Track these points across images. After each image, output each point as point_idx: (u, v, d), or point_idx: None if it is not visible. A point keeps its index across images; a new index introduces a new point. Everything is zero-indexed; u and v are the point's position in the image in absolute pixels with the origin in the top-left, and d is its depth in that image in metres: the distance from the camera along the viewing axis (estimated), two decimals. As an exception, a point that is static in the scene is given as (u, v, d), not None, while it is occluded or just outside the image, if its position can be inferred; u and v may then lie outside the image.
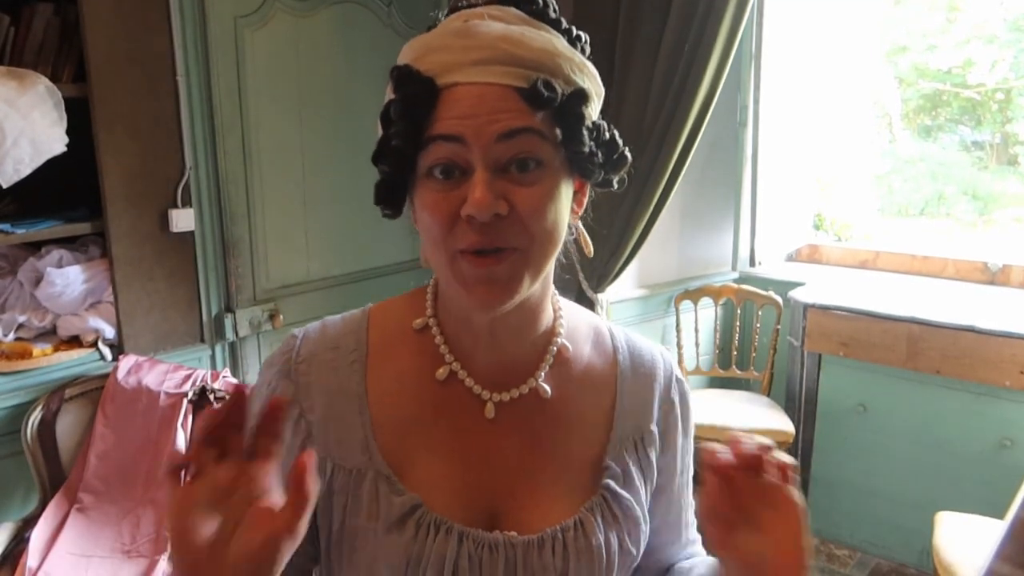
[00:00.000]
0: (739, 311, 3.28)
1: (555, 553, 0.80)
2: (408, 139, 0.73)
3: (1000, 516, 2.08)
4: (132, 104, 2.19)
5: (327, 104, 2.62)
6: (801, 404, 3.06)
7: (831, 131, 3.66)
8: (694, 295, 3.24)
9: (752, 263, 3.50)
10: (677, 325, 3.21)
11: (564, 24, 0.78)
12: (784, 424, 2.88)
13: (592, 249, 0.87)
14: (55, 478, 2.08)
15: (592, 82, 0.77)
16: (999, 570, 1.19)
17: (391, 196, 0.78)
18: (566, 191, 0.77)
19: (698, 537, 1.01)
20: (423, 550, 0.78)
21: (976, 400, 2.63)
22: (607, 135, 0.78)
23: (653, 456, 0.90)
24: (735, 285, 3.29)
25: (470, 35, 0.72)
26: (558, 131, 0.73)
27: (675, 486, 0.95)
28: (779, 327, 3.14)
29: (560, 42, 0.75)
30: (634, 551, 0.86)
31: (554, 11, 0.77)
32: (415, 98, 0.72)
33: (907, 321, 2.71)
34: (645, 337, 0.98)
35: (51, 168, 2.03)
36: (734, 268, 3.50)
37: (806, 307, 2.95)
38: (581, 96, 0.74)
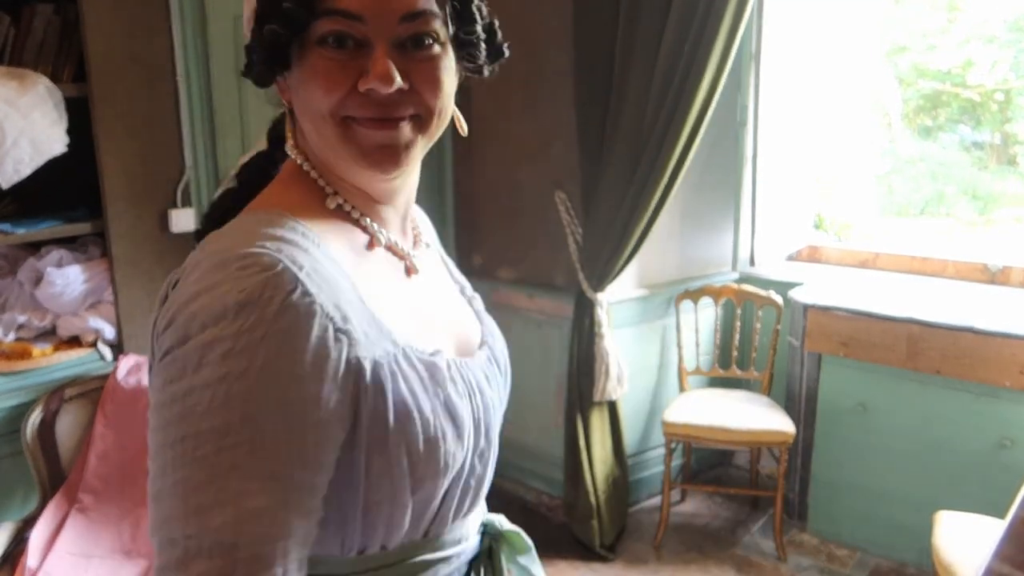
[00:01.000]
0: (739, 311, 3.28)
1: (503, 355, 0.95)
2: (303, 5, 0.70)
3: (1000, 516, 2.08)
4: (132, 104, 2.19)
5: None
6: (801, 404, 3.06)
7: (831, 131, 3.66)
8: (694, 295, 3.24)
9: (752, 263, 3.50)
10: (677, 325, 3.21)
11: None
12: (784, 424, 2.88)
13: (466, 129, 0.89)
14: (55, 478, 2.08)
15: None
16: (998, 569, 1.19)
17: (272, 61, 0.74)
18: (454, 71, 0.79)
19: None
20: (467, 388, 0.81)
21: (976, 400, 2.62)
22: (491, 22, 0.82)
23: None
24: (735, 285, 3.29)
25: None
26: (451, 14, 0.76)
27: None
28: (779, 327, 3.14)
29: None
30: None
31: None
32: None
33: (907, 321, 2.71)
34: None
35: (51, 168, 2.03)
36: (734, 268, 3.50)
37: (806, 307, 2.95)
38: None
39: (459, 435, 0.77)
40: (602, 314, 2.86)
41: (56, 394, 2.10)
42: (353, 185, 0.80)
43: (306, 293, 0.67)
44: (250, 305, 0.65)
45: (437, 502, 0.79)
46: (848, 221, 3.71)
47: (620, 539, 3.06)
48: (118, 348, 2.28)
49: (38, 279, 2.23)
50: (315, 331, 0.67)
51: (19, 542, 1.96)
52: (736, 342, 3.33)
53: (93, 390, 2.15)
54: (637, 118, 2.72)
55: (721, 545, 3.05)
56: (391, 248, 0.83)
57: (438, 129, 0.78)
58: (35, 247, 2.28)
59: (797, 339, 3.03)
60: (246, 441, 0.64)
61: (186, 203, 2.32)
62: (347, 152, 0.74)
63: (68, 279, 2.20)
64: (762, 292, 3.19)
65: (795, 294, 3.05)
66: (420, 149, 0.77)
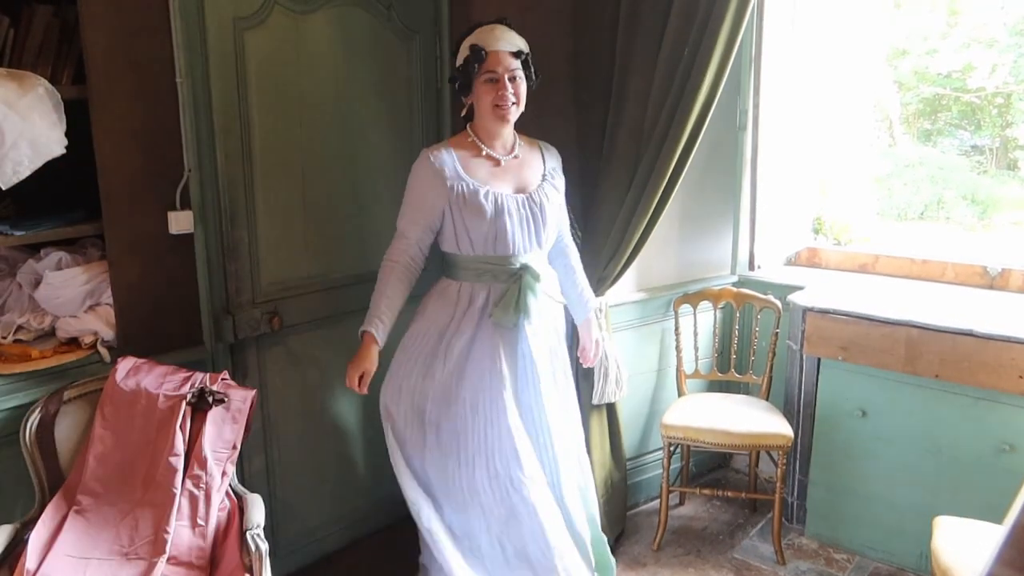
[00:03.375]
0: (738, 315, 3.28)
1: (539, 199, 2.40)
2: (480, 72, 2.27)
3: (999, 521, 2.08)
4: (131, 106, 2.19)
5: (327, 105, 2.62)
6: (800, 408, 3.06)
7: (831, 135, 3.66)
8: (693, 299, 3.24)
9: (751, 267, 3.50)
10: (676, 328, 3.21)
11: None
12: (783, 427, 2.88)
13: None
14: (54, 480, 2.08)
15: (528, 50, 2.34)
16: (999, 574, 1.19)
17: (463, 90, 2.32)
18: (526, 85, 2.34)
19: None
20: (495, 201, 2.34)
21: (975, 404, 2.62)
22: (534, 67, 2.36)
23: None
24: (734, 289, 3.29)
25: (495, 32, 2.29)
26: (524, 66, 2.32)
27: None
28: (778, 331, 3.14)
29: (520, 39, 2.33)
30: None
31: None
32: (479, 54, 2.25)
33: (906, 325, 2.71)
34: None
35: (50, 170, 2.03)
36: (733, 272, 3.50)
37: (805, 311, 2.95)
38: (529, 56, 2.33)
39: (482, 216, 2.29)
40: (601, 317, 2.86)
41: (55, 396, 2.10)
42: (487, 133, 2.36)
43: (431, 159, 2.32)
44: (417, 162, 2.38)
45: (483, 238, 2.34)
46: (847, 225, 3.71)
47: (619, 542, 3.06)
48: (117, 350, 2.27)
49: (37, 281, 2.23)
50: (429, 169, 2.32)
51: (17, 544, 1.96)
52: (735, 346, 3.33)
53: (92, 392, 2.14)
54: (637, 121, 2.72)
55: (720, 548, 3.05)
56: (488, 155, 2.36)
57: (521, 108, 2.32)
58: (34, 249, 2.27)
59: (796, 343, 3.03)
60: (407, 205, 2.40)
61: (185, 205, 2.31)
62: (493, 116, 2.30)
63: (67, 281, 2.20)
64: (761, 296, 3.19)
65: (794, 298, 3.06)
66: (515, 115, 2.32)
